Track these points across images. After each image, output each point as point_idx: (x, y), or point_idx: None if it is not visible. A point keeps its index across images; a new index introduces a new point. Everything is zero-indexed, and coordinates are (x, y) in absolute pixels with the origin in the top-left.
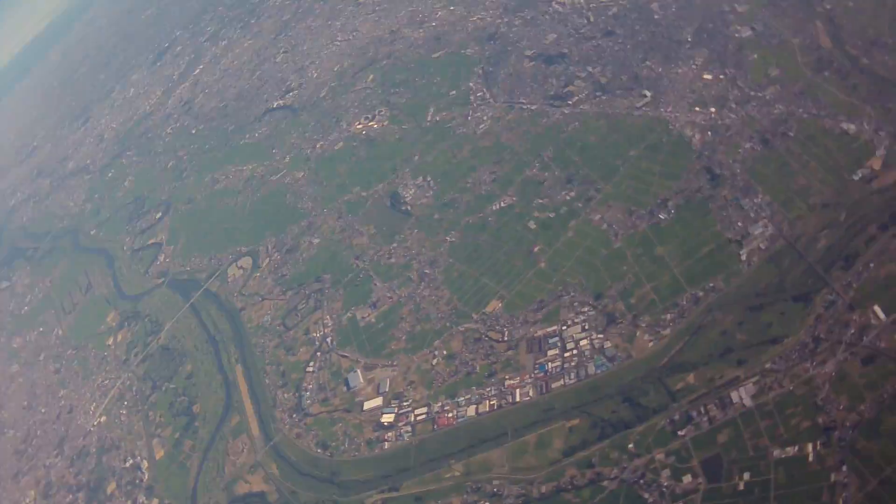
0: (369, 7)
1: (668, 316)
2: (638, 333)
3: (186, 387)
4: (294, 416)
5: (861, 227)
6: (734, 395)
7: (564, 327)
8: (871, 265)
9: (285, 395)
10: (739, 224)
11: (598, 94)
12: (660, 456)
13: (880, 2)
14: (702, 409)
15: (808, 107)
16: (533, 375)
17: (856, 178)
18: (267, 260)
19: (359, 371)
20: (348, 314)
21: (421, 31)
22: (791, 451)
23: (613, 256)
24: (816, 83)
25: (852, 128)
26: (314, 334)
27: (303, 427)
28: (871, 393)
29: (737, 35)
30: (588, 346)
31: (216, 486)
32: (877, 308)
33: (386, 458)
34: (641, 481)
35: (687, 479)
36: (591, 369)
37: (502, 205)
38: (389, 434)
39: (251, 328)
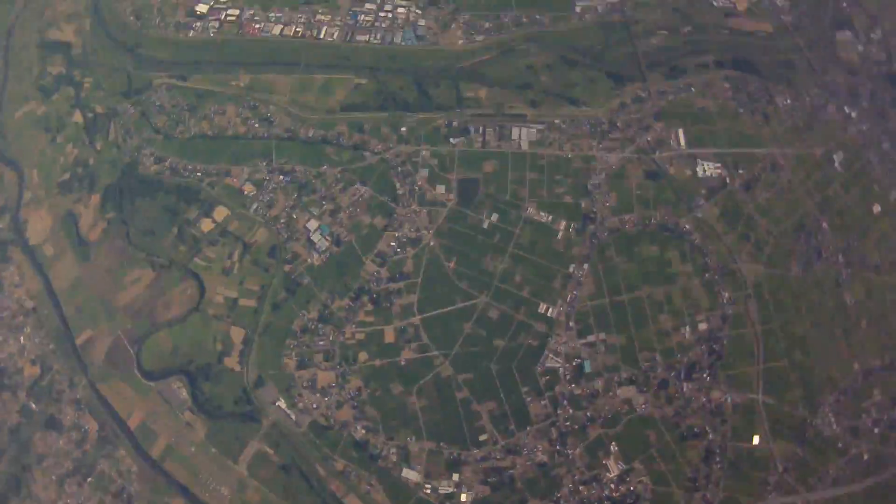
0: None
1: (488, 24)
2: (454, 26)
3: None
4: None
5: (701, 48)
6: (515, 132)
7: None
8: (693, 90)
9: None
10: None
11: None
12: (426, 153)
13: None
14: (480, 129)
15: None
16: (344, 19)
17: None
18: None
19: None
20: None
21: None
22: (545, 217)
23: None
24: None
25: None
26: None
27: None
28: (641, 209)
29: None
30: (404, 15)
31: (32, 27)
32: (681, 133)
33: (187, 46)
34: (399, 168)
35: (440, 189)
36: (398, 38)
37: None
38: (198, 24)
39: None
